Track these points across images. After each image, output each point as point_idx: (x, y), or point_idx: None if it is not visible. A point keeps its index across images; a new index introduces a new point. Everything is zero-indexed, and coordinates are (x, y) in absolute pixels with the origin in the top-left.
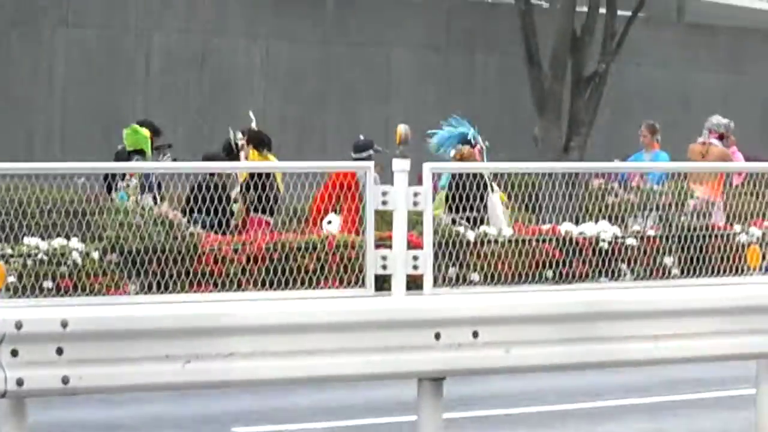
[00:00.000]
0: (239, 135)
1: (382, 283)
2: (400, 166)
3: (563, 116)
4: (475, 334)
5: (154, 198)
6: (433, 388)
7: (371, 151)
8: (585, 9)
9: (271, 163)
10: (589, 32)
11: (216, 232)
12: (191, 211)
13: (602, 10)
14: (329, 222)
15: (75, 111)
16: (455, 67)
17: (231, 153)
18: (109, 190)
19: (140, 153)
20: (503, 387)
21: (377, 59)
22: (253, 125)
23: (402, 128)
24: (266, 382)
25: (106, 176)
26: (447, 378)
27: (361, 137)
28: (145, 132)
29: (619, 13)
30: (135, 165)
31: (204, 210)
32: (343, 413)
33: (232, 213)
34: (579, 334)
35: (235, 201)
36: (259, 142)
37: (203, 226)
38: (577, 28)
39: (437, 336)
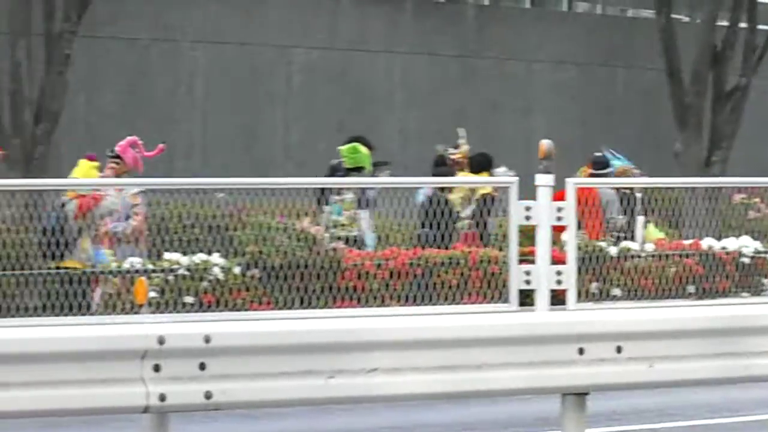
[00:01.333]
0: (450, 149)
1: (524, 299)
2: (544, 181)
3: (704, 131)
4: (619, 349)
5: (370, 213)
6: (577, 403)
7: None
8: (726, 23)
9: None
10: (730, 46)
11: (438, 247)
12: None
13: (743, 24)
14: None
15: (215, 126)
16: (595, 81)
17: (442, 167)
18: (319, 203)
19: (360, 170)
20: (646, 402)
21: (517, 73)
22: (461, 141)
23: (545, 143)
24: (409, 397)
25: (322, 190)
26: (590, 393)
27: (599, 153)
28: (365, 150)
29: (760, 27)
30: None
31: (428, 224)
32: (485, 428)
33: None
34: (722, 349)
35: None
36: (486, 163)
37: (426, 240)
38: (718, 42)
39: (581, 351)
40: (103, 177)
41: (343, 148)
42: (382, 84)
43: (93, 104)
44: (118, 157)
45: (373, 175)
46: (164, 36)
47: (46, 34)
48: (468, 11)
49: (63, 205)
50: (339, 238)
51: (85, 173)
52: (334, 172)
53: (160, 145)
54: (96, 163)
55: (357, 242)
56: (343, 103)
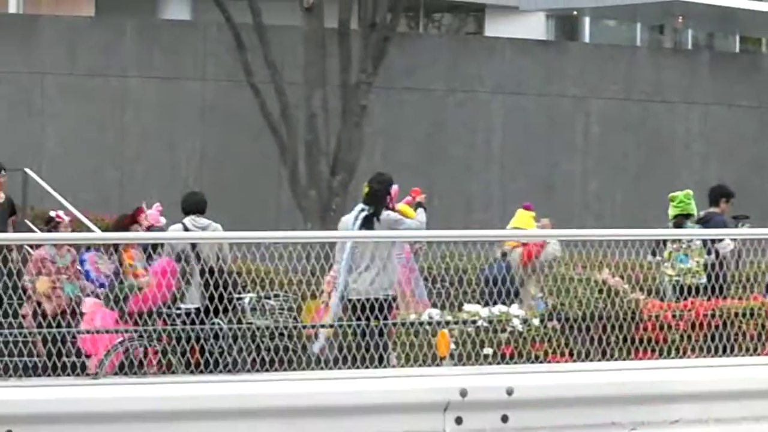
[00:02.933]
0: None
1: None
2: None
3: None
4: None
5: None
6: None
7: None
8: None
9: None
10: None
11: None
12: None
13: None
14: None
15: (513, 177)
16: None
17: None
18: (654, 254)
19: (688, 218)
20: None
21: None
22: None
23: None
24: None
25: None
26: None
27: None
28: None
29: None
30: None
31: None
32: None
33: None
34: None
35: None
36: None
37: None
38: None
39: None
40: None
41: (678, 194)
42: (680, 134)
43: (389, 155)
44: None
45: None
46: (461, 86)
47: (342, 85)
48: (764, 61)
49: (504, 254)
50: (689, 287)
51: (523, 223)
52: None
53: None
54: (532, 213)
55: (703, 290)
56: (640, 154)
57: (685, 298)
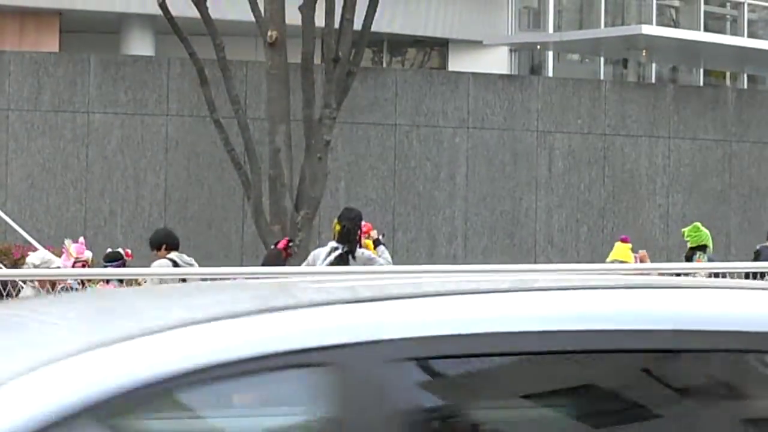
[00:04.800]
0: None
1: None
2: None
3: None
4: None
5: None
6: None
7: None
8: None
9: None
10: None
11: None
12: None
13: None
14: None
15: (477, 212)
16: None
17: None
18: None
19: (702, 249)
20: None
21: None
22: None
23: None
24: None
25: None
26: None
27: None
28: (705, 230)
29: None
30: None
31: None
32: None
33: None
34: None
35: None
36: None
37: None
38: None
39: None
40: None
41: (685, 229)
42: (644, 168)
43: (353, 190)
44: None
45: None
46: (425, 121)
47: (306, 120)
48: (727, 95)
49: None
50: None
51: (623, 255)
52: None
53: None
54: (630, 245)
55: None
56: (605, 188)
57: None
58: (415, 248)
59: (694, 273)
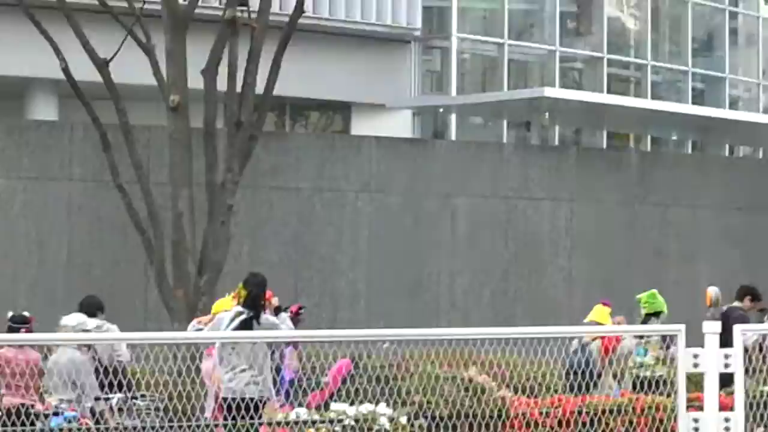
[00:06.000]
0: None
1: None
2: (711, 328)
3: None
4: None
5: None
6: None
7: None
8: None
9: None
10: None
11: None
12: None
13: None
14: None
15: (380, 275)
16: (760, 226)
17: None
18: None
19: (657, 315)
20: None
21: (681, 219)
22: None
23: (712, 291)
24: None
25: None
26: None
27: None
28: (661, 298)
29: None
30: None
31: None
32: None
33: None
34: None
35: None
36: None
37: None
38: None
39: None
40: None
41: (642, 296)
42: (546, 231)
43: (256, 254)
44: None
45: (760, 321)
46: (328, 185)
47: (208, 184)
48: (631, 158)
49: (584, 346)
50: (644, 378)
51: (600, 317)
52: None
53: None
54: (609, 309)
55: (657, 384)
56: (508, 251)
57: (646, 392)
58: (318, 312)
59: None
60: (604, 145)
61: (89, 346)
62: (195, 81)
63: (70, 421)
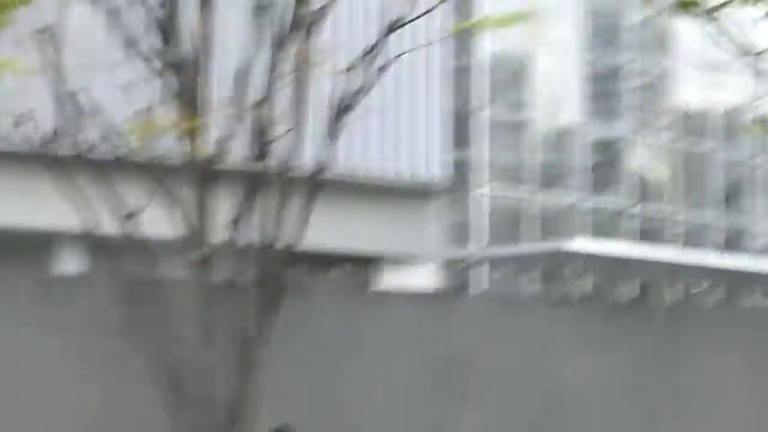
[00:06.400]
0: None
1: None
2: None
3: None
4: None
5: None
6: None
7: None
8: None
9: None
10: None
11: None
12: None
13: None
14: None
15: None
16: None
17: None
18: None
19: None
20: None
21: (710, 371)
22: None
23: None
24: None
25: None
26: None
27: None
28: None
29: None
30: None
31: None
32: None
33: None
34: None
35: None
36: None
37: None
38: None
39: None
40: None
41: None
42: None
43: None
44: None
45: None
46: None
47: (234, 339)
48: (659, 312)
49: None
50: None
51: None
52: None
53: None
54: None
55: None
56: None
57: None
58: None
59: None
60: (633, 296)
61: None
62: (219, 232)
63: None
